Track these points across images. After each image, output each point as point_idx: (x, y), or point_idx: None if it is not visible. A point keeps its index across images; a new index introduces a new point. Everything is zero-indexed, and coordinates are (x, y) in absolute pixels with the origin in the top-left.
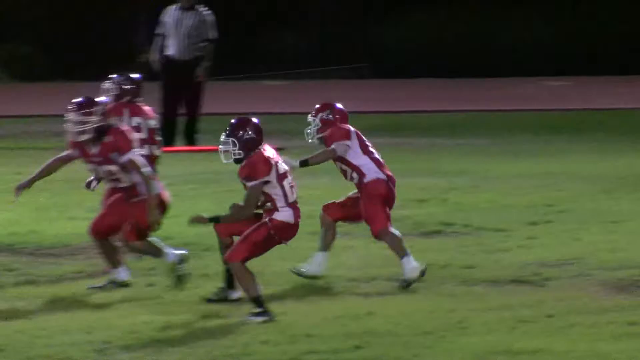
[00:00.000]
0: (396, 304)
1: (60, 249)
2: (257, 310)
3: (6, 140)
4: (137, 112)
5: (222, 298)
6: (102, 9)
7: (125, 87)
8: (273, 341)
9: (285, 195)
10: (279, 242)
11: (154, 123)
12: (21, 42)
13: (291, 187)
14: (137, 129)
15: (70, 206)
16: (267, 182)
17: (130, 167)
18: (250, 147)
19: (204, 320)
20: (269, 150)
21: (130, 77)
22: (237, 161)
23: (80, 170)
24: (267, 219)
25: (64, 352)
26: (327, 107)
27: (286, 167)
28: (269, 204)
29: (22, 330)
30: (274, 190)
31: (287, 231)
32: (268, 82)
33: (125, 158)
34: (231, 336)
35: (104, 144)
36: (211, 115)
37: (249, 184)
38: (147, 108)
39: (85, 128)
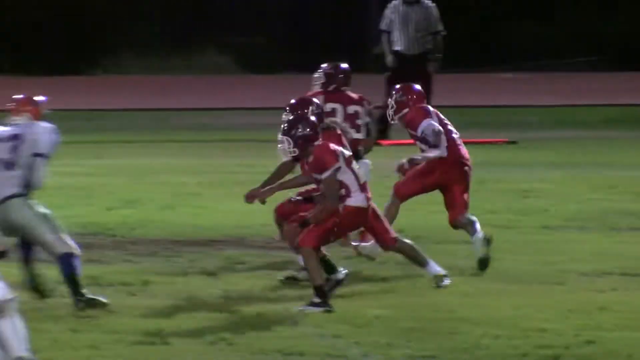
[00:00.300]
0: (630, 300)
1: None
2: (317, 300)
3: (232, 131)
4: (333, 98)
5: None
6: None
7: (333, 75)
8: (505, 335)
9: (357, 179)
10: (350, 229)
11: (354, 109)
12: (254, 34)
13: (358, 169)
14: (331, 114)
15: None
16: (338, 169)
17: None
18: (305, 143)
19: (437, 311)
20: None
21: (338, 66)
22: (294, 159)
23: None
24: (340, 206)
25: (294, 345)
26: (400, 89)
27: (349, 152)
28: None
29: (252, 325)
30: (345, 176)
31: (360, 215)
32: (498, 75)
33: (323, 176)
34: (463, 329)
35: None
36: (442, 108)
37: (323, 175)
38: (352, 95)
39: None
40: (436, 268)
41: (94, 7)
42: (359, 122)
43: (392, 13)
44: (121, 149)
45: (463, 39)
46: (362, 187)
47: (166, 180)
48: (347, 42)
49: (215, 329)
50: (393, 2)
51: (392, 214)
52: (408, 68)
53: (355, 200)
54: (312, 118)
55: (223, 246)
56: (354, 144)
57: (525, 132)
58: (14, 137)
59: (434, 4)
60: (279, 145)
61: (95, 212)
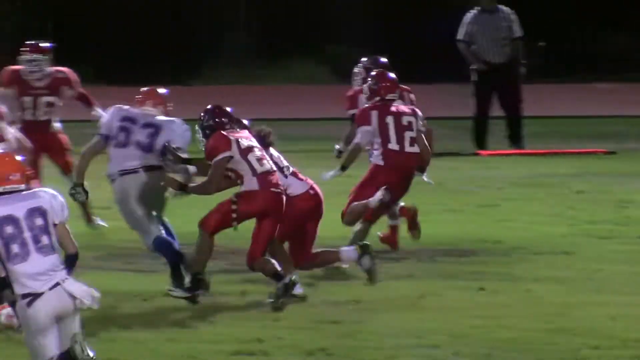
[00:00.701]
0: None
1: (390, 252)
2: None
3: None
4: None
5: None
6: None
7: (371, 70)
8: (604, 346)
9: (252, 169)
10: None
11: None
12: (351, 43)
13: (258, 159)
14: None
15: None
16: (230, 158)
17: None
18: (210, 133)
19: (536, 321)
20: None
21: (377, 60)
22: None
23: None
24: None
25: (394, 356)
26: (375, 76)
27: (251, 143)
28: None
29: (352, 334)
30: (239, 166)
31: (253, 198)
32: (597, 85)
33: (213, 161)
34: (561, 340)
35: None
36: (539, 118)
37: (213, 161)
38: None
39: None
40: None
41: (193, 18)
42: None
43: (473, 23)
44: None
45: (564, 48)
46: (260, 175)
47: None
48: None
49: (314, 339)
50: (471, 11)
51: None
52: (495, 76)
53: (247, 186)
54: (227, 109)
55: None
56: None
57: (624, 142)
58: (151, 125)
59: (512, 10)
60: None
61: (194, 222)
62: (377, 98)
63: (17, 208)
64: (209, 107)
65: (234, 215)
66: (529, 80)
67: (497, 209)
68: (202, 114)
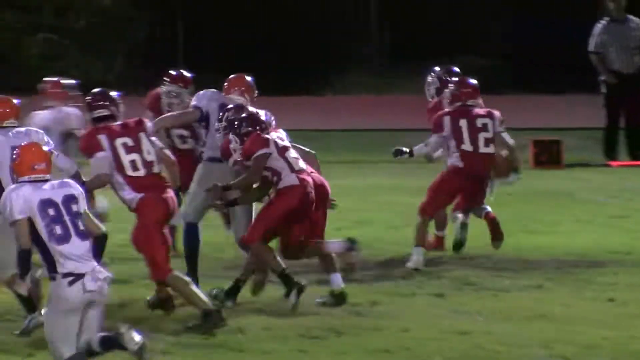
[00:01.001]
0: None
1: (520, 262)
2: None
3: None
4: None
5: None
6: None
7: (444, 81)
8: None
9: (289, 166)
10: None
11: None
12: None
13: (295, 158)
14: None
15: (530, 220)
16: (268, 155)
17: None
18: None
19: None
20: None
21: (451, 69)
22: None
23: (543, 184)
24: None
25: None
26: (457, 82)
27: (286, 143)
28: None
29: (478, 345)
30: (277, 163)
31: (292, 194)
32: None
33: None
34: None
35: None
36: None
37: (253, 156)
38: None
39: None
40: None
41: (340, 29)
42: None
43: (603, 33)
44: (348, 169)
45: None
46: (298, 172)
47: (393, 200)
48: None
49: (443, 349)
50: (601, 22)
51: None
52: (626, 87)
53: (285, 182)
54: (259, 114)
55: (451, 267)
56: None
57: None
58: None
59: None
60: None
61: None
62: (458, 103)
63: (56, 194)
64: (243, 114)
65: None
66: None
67: (627, 219)
68: (235, 122)
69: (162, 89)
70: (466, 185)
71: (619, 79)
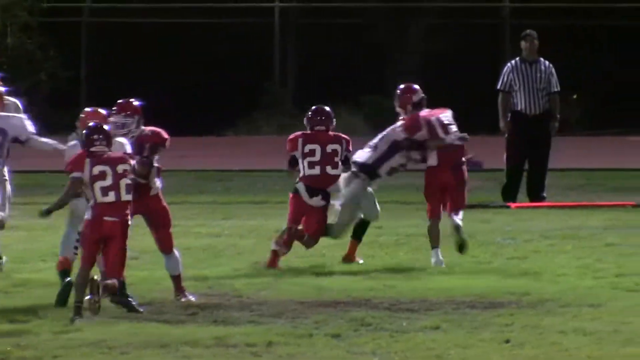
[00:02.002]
0: None
1: (417, 303)
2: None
3: None
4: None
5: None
6: None
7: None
8: None
9: (94, 197)
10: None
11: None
12: (385, 94)
13: (102, 188)
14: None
15: (429, 261)
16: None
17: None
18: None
19: None
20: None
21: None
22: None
23: (442, 225)
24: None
25: None
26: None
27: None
28: None
29: None
30: (87, 190)
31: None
32: (630, 138)
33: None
34: None
35: None
36: (569, 171)
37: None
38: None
39: None
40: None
41: (224, 70)
42: (336, 159)
43: (512, 73)
44: (251, 209)
45: (599, 101)
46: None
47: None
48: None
49: None
50: (511, 61)
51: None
52: (528, 128)
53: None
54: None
55: (349, 307)
56: (328, 179)
57: None
58: None
59: (551, 65)
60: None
61: (223, 273)
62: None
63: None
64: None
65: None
66: (564, 133)
67: (525, 261)
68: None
69: (110, 119)
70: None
71: (523, 120)
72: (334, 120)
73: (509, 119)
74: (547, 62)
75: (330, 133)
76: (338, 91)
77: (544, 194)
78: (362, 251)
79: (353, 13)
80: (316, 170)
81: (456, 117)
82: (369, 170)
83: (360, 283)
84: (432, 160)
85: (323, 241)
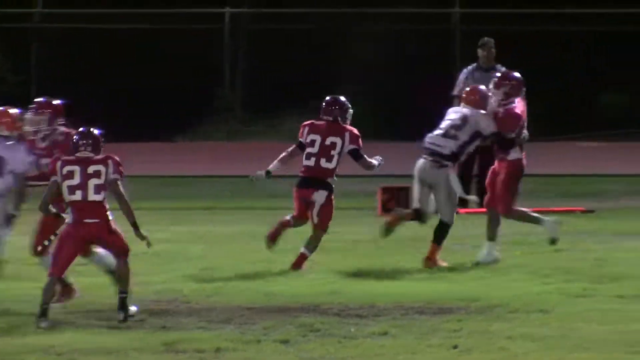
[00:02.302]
0: None
1: (366, 309)
2: None
3: None
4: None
5: None
6: None
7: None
8: None
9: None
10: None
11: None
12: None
13: (69, 187)
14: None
15: (377, 267)
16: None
17: None
18: None
19: None
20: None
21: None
22: None
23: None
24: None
25: None
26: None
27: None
28: None
29: None
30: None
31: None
32: (580, 143)
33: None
34: None
35: None
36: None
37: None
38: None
39: None
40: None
41: (174, 76)
42: (332, 152)
43: (467, 79)
44: (200, 215)
45: (548, 107)
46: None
47: (244, 247)
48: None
49: None
50: (467, 68)
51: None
52: None
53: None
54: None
55: (297, 313)
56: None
57: (605, 201)
58: None
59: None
60: None
61: (172, 278)
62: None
63: None
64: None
65: None
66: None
67: (474, 266)
68: None
69: (27, 116)
70: None
71: None
72: (348, 111)
73: None
74: (502, 68)
75: (336, 125)
76: (288, 96)
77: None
78: (312, 257)
79: (303, 18)
80: (311, 162)
81: (408, 122)
82: (453, 160)
83: (309, 289)
84: (517, 152)
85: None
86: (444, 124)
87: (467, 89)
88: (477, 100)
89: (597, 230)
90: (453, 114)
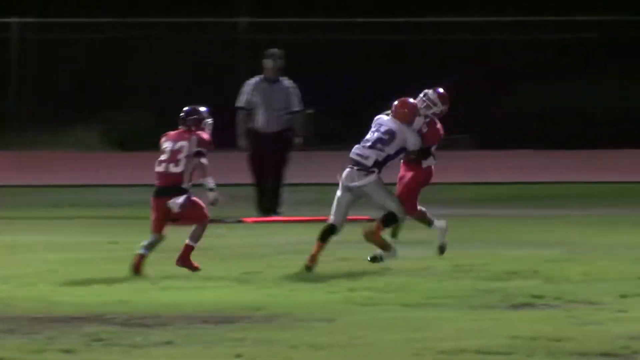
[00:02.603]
0: None
1: (151, 318)
2: None
3: (99, 209)
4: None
5: None
6: None
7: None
8: None
9: None
10: None
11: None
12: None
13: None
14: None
15: (163, 276)
16: None
17: None
18: None
19: None
20: None
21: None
22: None
23: (177, 240)
24: None
25: None
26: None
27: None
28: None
29: None
30: None
31: None
32: None
33: None
34: None
35: None
36: (294, 186)
37: None
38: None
39: None
40: None
41: None
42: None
43: (253, 90)
44: None
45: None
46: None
47: (29, 257)
48: None
49: None
50: (252, 79)
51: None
52: (265, 146)
53: None
54: None
55: (82, 323)
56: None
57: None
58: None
59: (294, 84)
60: None
61: None
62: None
63: None
64: None
65: None
66: (302, 149)
67: (259, 275)
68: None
69: None
70: None
71: (259, 137)
72: (204, 120)
73: (248, 136)
74: (288, 82)
75: (188, 132)
76: (74, 107)
77: (280, 210)
78: (98, 267)
79: (91, 28)
80: (161, 168)
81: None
82: (377, 167)
83: (94, 298)
84: (431, 160)
85: (58, 256)
86: (371, 135)
87: (396, 102)
88: (406, 114)
89: None
90: (381, 127)
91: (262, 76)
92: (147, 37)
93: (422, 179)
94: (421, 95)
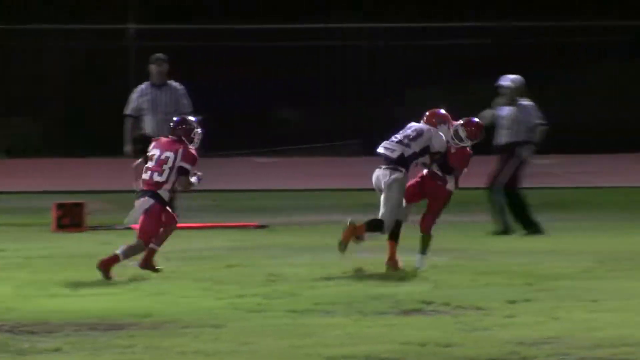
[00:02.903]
0: None
1: (39, 325)
2: None
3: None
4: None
5: None
6: None
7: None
8: None
9: None
10: None
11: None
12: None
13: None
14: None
15: (51, 283)
16: None
17: None
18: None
19: None
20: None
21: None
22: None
23: (65, 247)
24: None
25: None
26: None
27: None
28: None
29: None
30: None
31: None
32: (257, 159)
33: None
34: None
35: None
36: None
37: None
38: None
39: None
40: None
41: None
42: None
43: (141, 97)
44: None
45: (226, 122)
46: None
47: None
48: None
49: None
50: (140, 86)
51: None
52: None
53: None
54: None
55: None
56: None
57: (278, 216)
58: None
59: (182, 86)
60: None
61: None
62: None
63: None
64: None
65: None
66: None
67: (147, 282)
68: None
69: None
70: None
71: (150, 143)
72: (193, 130)
73: (138, 143)
74: (177, 85)
75: (176, 142)
76: None
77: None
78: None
79: None
80: (147, 175)
81: (85, 138)
82: (402, 164)
83: None
84: (452, 185)
85: None
86: (400, 133)
87: (427, 113)
88: (435, 124)
89: (270, 245)
90: (410, 127)
91: (149, 82)
92: (35, 44)
93: (446, 201)
94: (451, 130)
